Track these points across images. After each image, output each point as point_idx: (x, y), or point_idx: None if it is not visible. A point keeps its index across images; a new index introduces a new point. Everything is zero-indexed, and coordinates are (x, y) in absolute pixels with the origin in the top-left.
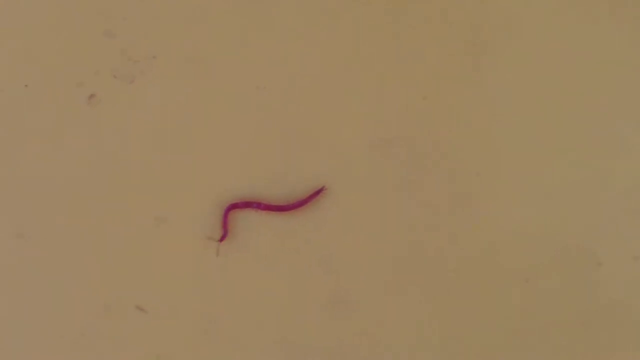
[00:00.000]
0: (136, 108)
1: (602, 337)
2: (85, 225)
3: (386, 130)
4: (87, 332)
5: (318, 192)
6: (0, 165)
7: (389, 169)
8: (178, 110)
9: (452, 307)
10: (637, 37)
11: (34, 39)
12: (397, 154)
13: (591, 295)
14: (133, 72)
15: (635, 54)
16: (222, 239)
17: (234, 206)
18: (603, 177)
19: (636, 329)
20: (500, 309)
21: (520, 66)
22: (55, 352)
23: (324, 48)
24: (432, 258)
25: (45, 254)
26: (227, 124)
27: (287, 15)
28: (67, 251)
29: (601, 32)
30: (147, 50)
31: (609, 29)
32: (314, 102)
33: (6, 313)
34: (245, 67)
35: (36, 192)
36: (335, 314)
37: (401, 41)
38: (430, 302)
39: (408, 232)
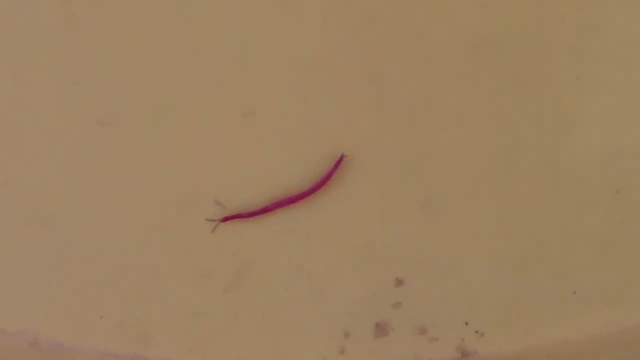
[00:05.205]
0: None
1: None
2: (168, 116)
3: (485, 30)
4: (162, 227)
5: (338, 163)
6: (81, 51)
7: (484, 71)
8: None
9: (540, 216)
10: None
11: None
12: (493, 55)
13: None
14: None
15: None
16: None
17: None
18: None
19: None
20: (590, 219)
21: None
22: (128, 246)
23: None
24: (521, 165)
25: (127, 142)
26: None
27: None
28: (148, 141)
29: None
30: None
31: None
32: None
33: (85, 203)
34: None
35: (118, 78)
36: (425, 218)
37: None
38: (518, 211)
39: (497, 136)
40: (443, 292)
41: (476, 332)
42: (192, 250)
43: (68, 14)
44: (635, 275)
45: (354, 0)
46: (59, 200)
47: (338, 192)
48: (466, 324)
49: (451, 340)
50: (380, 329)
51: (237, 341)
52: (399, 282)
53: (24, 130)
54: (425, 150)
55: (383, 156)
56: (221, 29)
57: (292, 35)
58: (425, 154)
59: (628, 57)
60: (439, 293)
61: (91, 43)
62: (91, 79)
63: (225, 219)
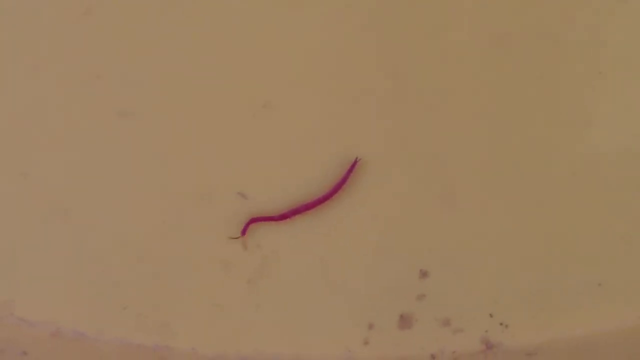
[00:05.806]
0: None
1: None
2: (187, 108)
3: (508, 23)
4: (184, 218)
5: (353, 166)
6: (104, 45)
7: (502, 68)
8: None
9: (565, 208)
10: None
11: None
12: (512, 51)
13: None
14: None
15: None
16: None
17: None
18: None
19: None
20: (614, 211)
21: None
22: (150, 237)
23: None
24: (545, 158)
25: (147, 134)
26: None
27: None
28: (168, 132)
29: None
30: None
31: None
32: None
33: (106, 194)
34: None
35: (138, 71)
36: (448, 210)
37: None
38: (543, 203)
39: (521, 129)
40: (467, 283)
41: (500, 324)
42: (215, 241)
43: (88, 6)
44: None
45: None
46: (80, 191)
47: (360, 187)
48: (490, 315)
49: (475, 331)
50: (405, 321)
51: (260, 332)
52: (423, 273)
53: (44, 121)
54: (446, 142)
55: (404, 150)
56: (243, 24)
57: (309, 37)
58: (446, 146)
59: None
60: (463, 285)
61: (111, 36)
62: (111, 71)
63: (252, 221)
